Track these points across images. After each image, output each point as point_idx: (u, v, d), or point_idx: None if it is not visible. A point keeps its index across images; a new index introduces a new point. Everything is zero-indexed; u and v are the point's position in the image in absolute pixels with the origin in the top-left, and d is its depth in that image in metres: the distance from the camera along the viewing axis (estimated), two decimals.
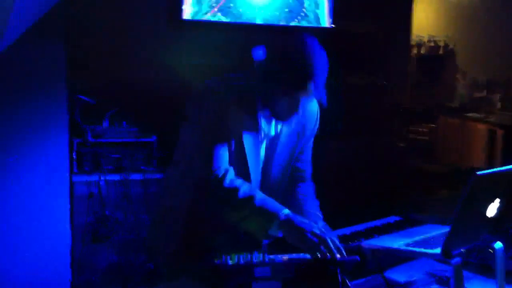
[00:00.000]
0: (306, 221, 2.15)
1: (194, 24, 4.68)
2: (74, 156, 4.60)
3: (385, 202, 4.80)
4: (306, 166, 2.60)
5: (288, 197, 2.53)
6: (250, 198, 2.14)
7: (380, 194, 5.34)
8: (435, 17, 9.36)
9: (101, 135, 4.71)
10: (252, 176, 2.31)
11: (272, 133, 2.36)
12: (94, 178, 4.60)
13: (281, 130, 2.39)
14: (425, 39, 9.13)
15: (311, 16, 4.62)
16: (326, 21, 4.77)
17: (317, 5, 4.73)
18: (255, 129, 2.29)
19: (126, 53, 4.98)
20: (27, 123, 4.42)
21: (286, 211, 2.12)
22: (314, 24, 4.55)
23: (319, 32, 4.59)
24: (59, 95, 4.59)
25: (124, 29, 5.00)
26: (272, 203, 2.15)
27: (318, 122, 2.56)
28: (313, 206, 2.51)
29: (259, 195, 2.17)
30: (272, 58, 2.14)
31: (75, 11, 4.79)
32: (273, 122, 2.36)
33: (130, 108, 4.83)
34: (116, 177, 4.65)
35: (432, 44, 9.12)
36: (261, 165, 2.38)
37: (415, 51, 9.07)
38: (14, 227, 4.40)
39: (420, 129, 8.49)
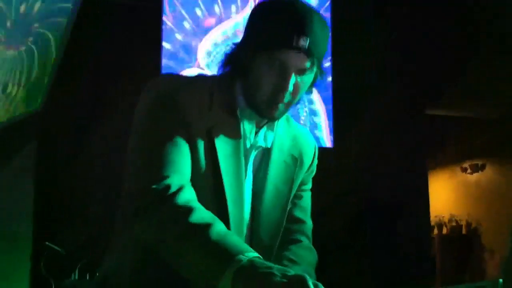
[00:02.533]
0: (281, 267, 1.20)
1: None
2: None
3: None
4: (306, 217, 1.78)
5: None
6: (205, 226, 1.30)
7: None
8: (454, 196, 8.96)
9: None
10: (231, 208, 1.52)
11: (261, 143, 1.62)
12: None
13: (272, 145, 1.65)
14: (446, 219, 8.64)
15: None
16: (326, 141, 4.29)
17: (315, 126, 4.27)
18: (235, 133, 1.56)
19: (105, 193, 4.44)
20: None
21: (252, 254, 1.24)
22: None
23: None
24: (21, 240, 3.98)
25: (105, 164, 4.53)
26: (235, 241, 1.29)
27: (316, 159, 1.79)
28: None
29: (220, 227, 1.33)
30: (255, 17, 1.52)
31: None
32: (262, 131, 1.62)
33: None
34: None
35: (453, 223, 8.58)
36: (248, 193, 1.61)
37: (436, 231, 8.57)
38: None
39: None
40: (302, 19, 1.43)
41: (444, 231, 8.65)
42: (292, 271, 1.20)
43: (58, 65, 3.67)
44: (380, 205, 6.23)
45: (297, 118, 4.29)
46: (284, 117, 1.67)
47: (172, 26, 4.30)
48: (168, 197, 1.37)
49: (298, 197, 1.75)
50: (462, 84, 6.41)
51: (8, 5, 2.89)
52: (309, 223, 1.78)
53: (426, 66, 6.05)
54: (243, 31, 1.57)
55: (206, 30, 4.37)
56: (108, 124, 4.53)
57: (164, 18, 4.29)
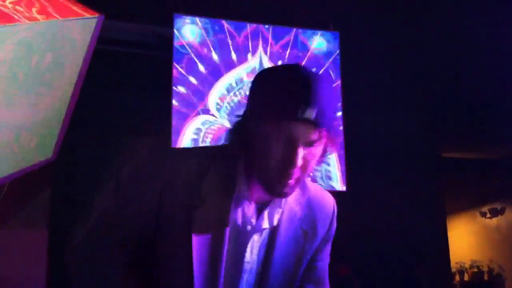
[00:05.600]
0: None
1: None
2: None
3: None
4: (324, 275, 1.69)
5: None
6: None
7: None
8: (474, 242, 8.79)
9: None
10: None
11: (265, 225, 1.51)
12: None
13: (279, 223, 1.53)
14: (467, 265, 8.46)
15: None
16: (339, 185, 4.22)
17: (328, 171, 4.23)
18: (223, 219, 1.45)
19: None
20: None
21: None
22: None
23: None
24: None
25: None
26: None
27: (335, 222, 1.66)
28: None
29: None
30: (257, 86, 1.43)
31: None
32: (266, 211, 1.51)
33: None
34: None
35: (475, 269, 8.39)
36: (251, 276, 1.53)
37: (457, 278, 8.38)
38: None
39: None
40: (307, 88, 1.34)
41: (466, 277, 8.46)
42: None
43: (70, 113, 3.69)
44: (398, 253, 6.12)
45: None
46: None
47: (193, 67, 4.35)
48: None
49: (311, 270, 1.65)
50: (478, 125, 6.36)
51: (20, 58, 2.93)
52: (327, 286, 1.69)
53: (443, 107, 6.02)
54: (247, 100, 1.46)
55: (219, 76, 4.40)
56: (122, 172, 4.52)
57: (177, 64, 4.33)
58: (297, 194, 1.55)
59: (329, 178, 4.35)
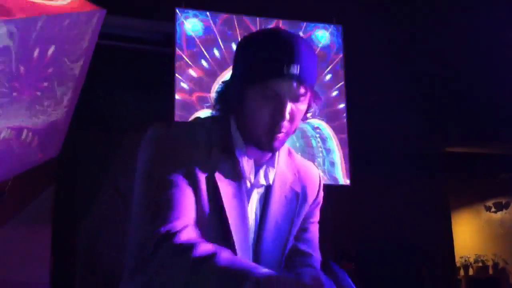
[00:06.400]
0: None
1: None
2: None
3: None
4: (313, 249, 1.73)
5: None
6: (209, 257, 1.28)
7: None
8: (479, 236, 8.78)
9: None
10: (238, 252, 1.50)
11: (261, 182, 1.60)
12: None
13: (274, 180, 1.62)
14: (471, 260, 8.45)
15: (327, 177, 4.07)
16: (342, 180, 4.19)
17: (332, 164, 4.20)
18: (236, 175, 1.54)
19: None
20: None
21: (265, 270, 1.23)
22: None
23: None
24: None
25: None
26: (244, 262, 1.29)
27: (321, 190, 1.75)
28: None
29: (225, 254, 1.30)
30: (242, 50, 1.53)
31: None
32: (262, 169, 1.60)
33: None
34: None
35: (480, 264, 8.37)
36: (251, 232, 1.59)
37: (462, 272, 8.38)
38: None
39: None
40: (290, 46, 1.44)
41: (471, 272, 8.45)
42: None
43: (73, 109, 3.66)
44: (402, 247, 6.10)
45: (313, 157, 4.22)
46: (286, 151, 1.68)
47: (190, 61, 4.32)
48: (169, 238, 1.35)
49: (303, 230, 1.72)
50: (482, 120, 6.33)
51: (23, 52, 2.90)
52: (316, 255, 1.73)
53: (446, 102, 6.00)
54: (232, 66, 1.56)
55: (221, 69, 4.38)
56: (126, 168, 4.50)
57: (180, 53, 4.30)
58: (287, 160, 1.68)
59: (334, 173, 4.33)
